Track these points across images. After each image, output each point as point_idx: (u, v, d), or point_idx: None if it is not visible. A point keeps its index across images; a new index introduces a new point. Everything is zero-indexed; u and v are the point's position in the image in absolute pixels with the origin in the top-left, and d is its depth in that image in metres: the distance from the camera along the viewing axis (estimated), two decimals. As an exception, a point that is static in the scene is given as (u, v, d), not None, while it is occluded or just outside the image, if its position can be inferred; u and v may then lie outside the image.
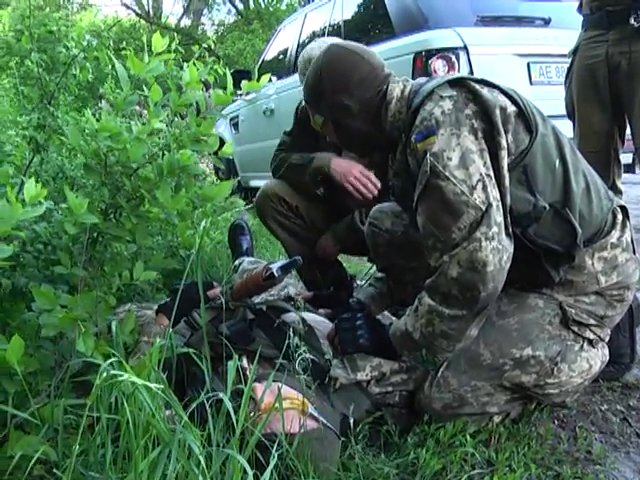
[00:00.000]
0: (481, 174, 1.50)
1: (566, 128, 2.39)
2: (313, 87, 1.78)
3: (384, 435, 1.66)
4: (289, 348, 1.55)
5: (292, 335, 1.56)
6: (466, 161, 1.50)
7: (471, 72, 3.54)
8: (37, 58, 2.30)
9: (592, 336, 1.70)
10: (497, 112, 1.53)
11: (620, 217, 1.73)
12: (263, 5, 20.91)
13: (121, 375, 1.13)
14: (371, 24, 4.77)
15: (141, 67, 1.64)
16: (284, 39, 6.31)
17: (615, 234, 1.69)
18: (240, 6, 22.09)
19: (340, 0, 5.01)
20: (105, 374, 1.11)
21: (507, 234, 1.53)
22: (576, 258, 1.62)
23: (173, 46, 2.50)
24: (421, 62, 3.59)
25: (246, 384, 1.36)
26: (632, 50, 2.41)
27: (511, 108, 1.58)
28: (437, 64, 3.51)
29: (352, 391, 1.62)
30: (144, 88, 1.78)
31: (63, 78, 2.40)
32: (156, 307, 2.20)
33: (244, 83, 1.85)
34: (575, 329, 1.67)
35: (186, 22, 24.22)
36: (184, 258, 3.12)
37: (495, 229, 1.48)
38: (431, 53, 3.54)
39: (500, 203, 1.51)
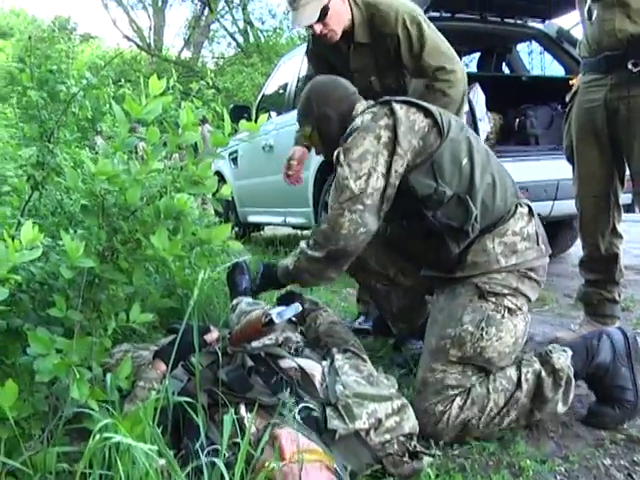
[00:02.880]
0: (369, 169, 1.98)
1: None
2: (304, 105, 2.34)
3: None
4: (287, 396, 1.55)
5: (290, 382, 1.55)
6: (362, 157, 1.99)
7: (471, 111, 3.55)
8: (37, 96, 2.31)
9: (510, 305, 1.98)
10: (402, 128, 1.99)
11: (524, 211, 2.05)
12: (263, 39, 21.17)
13: (115, 434, 1.11)
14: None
15: (138, 109, 1.63)
16: (284, 74, 6.29)
17: (517, 224, 2.00)
18: (240, 39, 22.37)
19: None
20: (98, 436, 1.08)
21: (375, 215, 2.01)
22: (478, 242, 2.00)
23: (171, 82, 2.50)
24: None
25: (243, 434, 1.33)
26: (630, 95, 2.41)
27: (423, 123, 2.03)
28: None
29: (351, 442, 1.57)
30: (140, 129, 1.77)
31: (63, 116, 2.40)
32: (153, 348, 2.17)
33: (242, 123, 1.84)
34: (493, 299, 1.96)
35: (186, 54, 24.50)
36: (181, 297, 3.10)
37: (360, 207, 1.97)
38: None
39: (378, 192, 1.99)
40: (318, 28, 2.63)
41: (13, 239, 1.34)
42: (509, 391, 1.88)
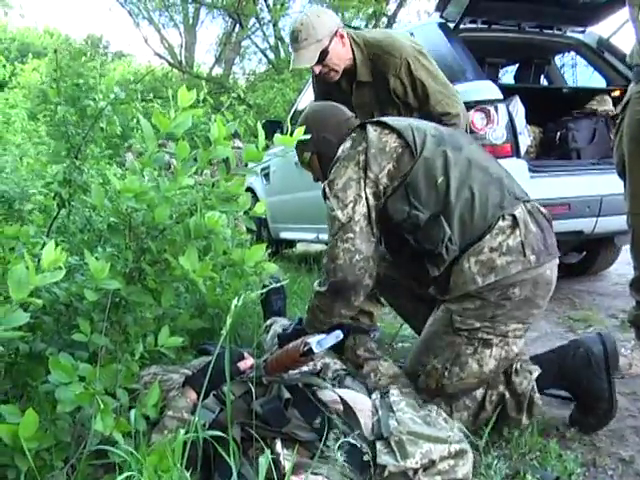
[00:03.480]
0: (354, 196, 2.01)
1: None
2: (306, 130, 2.15)
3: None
4: (327, 431, 1.46)
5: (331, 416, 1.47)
6: (346, 186, 2.03)
7: (511, 124, 3.43)
8: (63, 111, 2.24)
9: (485, 336, 1.93)
10: (372, 151, 2.02)
11: (505, 224, 1.92)
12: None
13: (139, 470, 1.01)
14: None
15: (166, 123, 1.55)
16: (316, 89, 6.23)
17: (494, 240, 1.91)
18: (271, 55, 22.43)
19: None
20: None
21: (367, 241, 2.02)
22: (457, 264, 1.94)
23: (202, 96, 2.44)
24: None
25: (279, 473, 1.22)
26: None
27: (395, 143, 2.03)
28: (475, 116, 3.41)
29: None
30: (170, 144, 1.70)
31: (90, 132, 2.34)
32: (183, 371, 2.08)
33: (277, 137, 1.76)
34: (465, 334, 1.94)
35: (218, 71, 24.64)
36: (212, 316, 3.01)
37: (350, 235, 2.00)
38: (469, 105, 3.44)
39: (365, 218, 2.02)
40: (317, 69, 2.80)
41: (38, 259, 1.27)
42: (473, 409, 2.00)
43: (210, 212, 1.65)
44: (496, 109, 3.40)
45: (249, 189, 7.51)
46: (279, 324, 2.55)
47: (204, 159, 1.67)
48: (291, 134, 1.73)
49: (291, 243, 7.49)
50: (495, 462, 1.74)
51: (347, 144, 2.11)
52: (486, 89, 3.49)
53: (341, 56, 2.80)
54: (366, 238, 2.01)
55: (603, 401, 1.96)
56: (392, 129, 2.06)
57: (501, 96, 3.42)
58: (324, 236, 5.29)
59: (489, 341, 1.93)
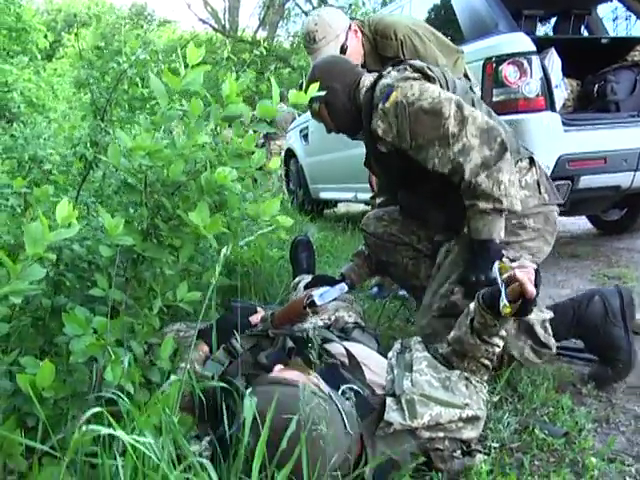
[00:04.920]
0: (436, 90, 1.99)
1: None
2: (310, 81, 2.16)
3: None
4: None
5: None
6: (423, 88, 1.99)
7: (545, 77, 3.34)
8: (86, 74, 2.28)
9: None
10: (429, 72, 2.07)
11: (523, 164, 2.11)
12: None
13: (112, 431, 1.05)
14: (441, 30, 4.62)
15: (177, 81, 1.56)
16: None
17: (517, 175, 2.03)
18: (315, 17, 22.19)
19: (409, 6, 4.87)
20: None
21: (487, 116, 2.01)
22: None
23: (225, 54, 2.41)
24: (491, 68, 3.41)
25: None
26: None
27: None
28: (508, 70, 3.33)
29: (399, 434, 1.46)
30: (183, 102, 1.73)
31: (113, 93, 2.37)
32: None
33: (291, 93, 1.76)
34: None
35: (262, 34, 24.49)
36: (242, 275, 3.04)
37: (471, 108, 1.97)
38: (501, 59, 3.36)
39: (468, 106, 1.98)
40: None
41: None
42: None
43: (221, 168, 1.67)
44: (529, 62, 3.30)
45: (289, 150, 7.52)
46: (304, 281, 2.56)
47: (217, 116, 1.69)
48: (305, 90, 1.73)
49: (333, 203, 7.49)
50: (505, 416, 1.73)
51: (393, 74, 2.11)
52: (519, 41, 3.39)
53: (358, 50, 2.88)
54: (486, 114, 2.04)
55: (622, 351, 1.95)
56: (424, 76, 2.09)
57: (534, 48, 3.31)
58: (362, 195, 5.28)
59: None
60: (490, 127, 1.92)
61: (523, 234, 2.07)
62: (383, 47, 2.82)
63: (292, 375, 1.37)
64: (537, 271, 1.49)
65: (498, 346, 1.60)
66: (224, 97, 1.67)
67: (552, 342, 1.92)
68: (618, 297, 1.99)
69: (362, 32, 2.88)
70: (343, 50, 2.80)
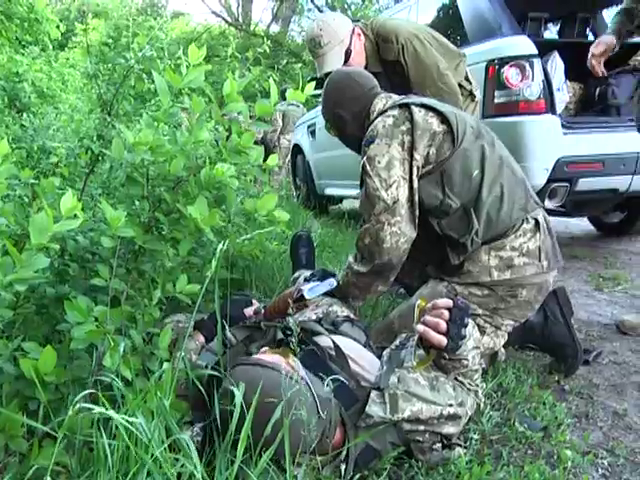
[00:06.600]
0: (398, 177, 1.98)
1: None
2: (323, 101, 2.36)
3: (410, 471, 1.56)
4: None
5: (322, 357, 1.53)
6: (390, 165, 1.98)
7: (547, 80, 3.38)
8: (93, 69, 2.34)
9: (482, 323, 2.00)
10: (419, 132, 1.98)
11: (528, 227, 2.00)
12: (350, 12, 20.87)
13: (106, 411, 1.12)
14: (446, 31, 4.65)
15: (178, 79, 1.63)
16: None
17: (517, 240, 1.98)
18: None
19: (416, 7, 4.91)
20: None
21: (411, 223, 2.01)
22: (474, 252, 1.99)
23: (230, 51, 2.46)
24: (493, 70, 3.46)
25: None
26: None
27: (439, 128, 2.00)
28: (510, 72, 3.38)
29: (381, 425, 1.51)
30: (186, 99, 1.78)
31: (120, 88, 2.43)
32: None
33: (289, 92, 1.82)
34: None
35: (275, 29, 24.49)
36: (243, 269, 3.10)
37: (398, 219, 1.98)
38: (504, 61, 3.41)
39: (409, 200, 1.99)
40: None
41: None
42: None
43: (220, 164, 1.73)
44: (531, 65, 3.36)
45: (296, 146, 7.57)
46: (303, 276, 2.62)
47: (218, 113, 1.75)
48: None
49: (338, 200, 7.53)
50: (487, 410, 1.80)
51: (388, 120, 2.05)
52: (521, 44, 3.44)
53: (361, 53, 2.92)
54: (411, 220, 2.01)
55: (567, 347, 2.10)
56: (437, 112, 2.04)
57: (536, 51, 3.37)
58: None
59: (483, 329, 2.00)
60: (378, 244, 2.00)
61: (512, 302, 2.00)
62: (384, 50, 2.86)
63: (272, 358, 1.44)
64: (454, 307, 1.53)
65: (467, 359, 1.60)
66: (225, 95, 1.73)
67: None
68: (554, 297, 2.13)
69: (365, 35, 2.92)
70: (347, 54, 2.85)
